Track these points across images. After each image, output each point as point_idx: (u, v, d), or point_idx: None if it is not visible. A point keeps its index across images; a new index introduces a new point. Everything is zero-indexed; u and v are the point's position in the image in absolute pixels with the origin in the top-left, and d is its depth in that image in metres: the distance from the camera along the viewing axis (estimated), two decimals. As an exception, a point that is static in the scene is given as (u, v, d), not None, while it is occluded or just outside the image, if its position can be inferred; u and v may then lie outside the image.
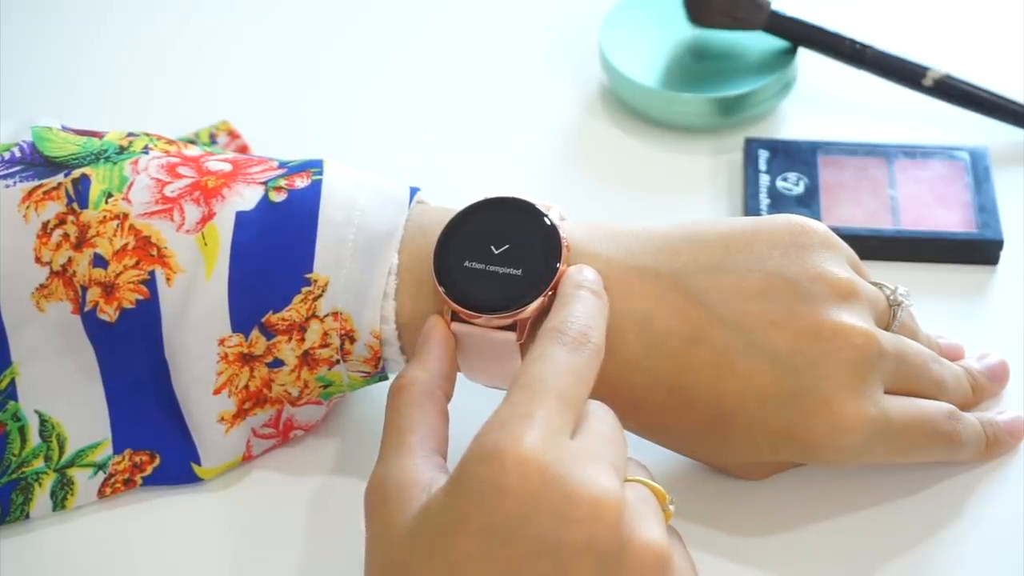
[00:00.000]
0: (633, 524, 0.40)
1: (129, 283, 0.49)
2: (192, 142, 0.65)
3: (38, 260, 0.50)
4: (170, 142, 0.53)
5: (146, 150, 0.52)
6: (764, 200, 0.62)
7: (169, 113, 0.69)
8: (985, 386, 0.53)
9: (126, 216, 0.49)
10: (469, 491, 0.39)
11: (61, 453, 0.51)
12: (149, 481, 0.52)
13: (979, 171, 0.62)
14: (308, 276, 0.49)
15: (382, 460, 0.44)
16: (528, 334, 0.48)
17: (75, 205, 0.50)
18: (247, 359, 0.50)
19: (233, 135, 0.67)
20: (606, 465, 0.40)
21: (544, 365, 0.42)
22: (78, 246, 0.49)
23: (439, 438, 0.45)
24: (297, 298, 0.49)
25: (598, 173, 0.67)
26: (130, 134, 0.53)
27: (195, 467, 0.52)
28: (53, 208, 0.50)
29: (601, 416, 0.43)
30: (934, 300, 0.58)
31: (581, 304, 0.45)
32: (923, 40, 0.70)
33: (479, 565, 0.39)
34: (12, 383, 0.51)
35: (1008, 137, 0.65)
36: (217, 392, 0.50)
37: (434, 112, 0.70)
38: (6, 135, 0.52)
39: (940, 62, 0.66)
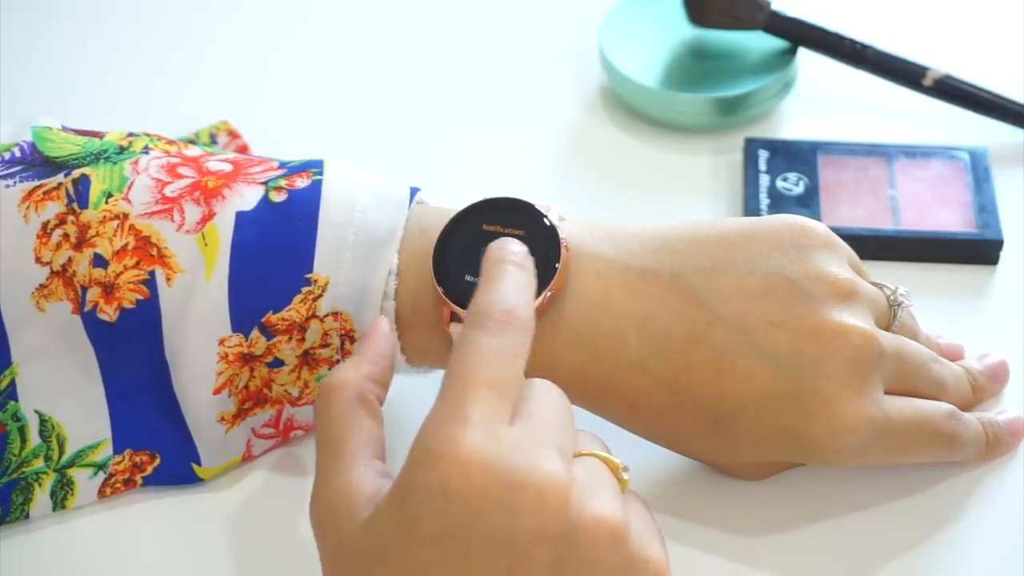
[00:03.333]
0: (583, 503, 0.39)
1: (129, 283, 0.49)
2: (192, 142, 0.65)
3: (38, 260, 0.50)
4: (170, 142, 0.53)
5: (146, 150, 0.52)
6: (764, 200, 0.62)
7: (169, 113, 0.69)
8: (985, 386, 0.53)
9: (126, 216, 0.49)
10: (415, 497, 0.39)
11: (61, 453, 0.51)
12: (149, 481, 0.52)
13: (979, 171, 0.62)
14: (308, 276, 0.49)
15: (322, 475, 0.43)
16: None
17: (75, 205, 0.50)
18: (247, 359, 0.50)
19: (233, 135, 0.67)
20: (549, 447, 0.40)
21: (469, 354, 0.41)
22: (78, 246, 0.49)
23: (376, 442, 0.44)
24: (297, 298, 0.49)
25: (598, 173, 0.67)
26: (130, 134, 0.53)
27: (195, 467, 0.52)
28: (53, 208, 0.50)
29: (542, 395, 0.42)
30: (934, 300, 0.58)
31: (502, 282, 0.44)
32: (923, 40, 0.70)
33: (437, 568, 0.39)
34: (12, 383, 0.51)
35: (1008, 137, 0.65)
36: (217, 392, 0.50)
37: (434, 112, 0.70)
38: (6, 135, 0.52)
39: (940, 62, 0.66)
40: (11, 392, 0.51)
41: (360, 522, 0.41)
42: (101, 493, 0.51)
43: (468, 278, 0.48)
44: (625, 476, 0.42)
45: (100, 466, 0.51)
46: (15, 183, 0.50)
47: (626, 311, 0.48)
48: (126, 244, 0.49)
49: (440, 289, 0.48)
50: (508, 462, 0.39)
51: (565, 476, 0.39)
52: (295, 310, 0.49)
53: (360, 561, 0.40)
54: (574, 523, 0.39)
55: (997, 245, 0.60)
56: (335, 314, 0.49)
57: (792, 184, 0.63)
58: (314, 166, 0.51)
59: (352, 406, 0.44)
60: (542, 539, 0.38)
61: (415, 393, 0.51)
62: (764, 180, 0.63)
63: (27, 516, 0.51)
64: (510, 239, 0.46)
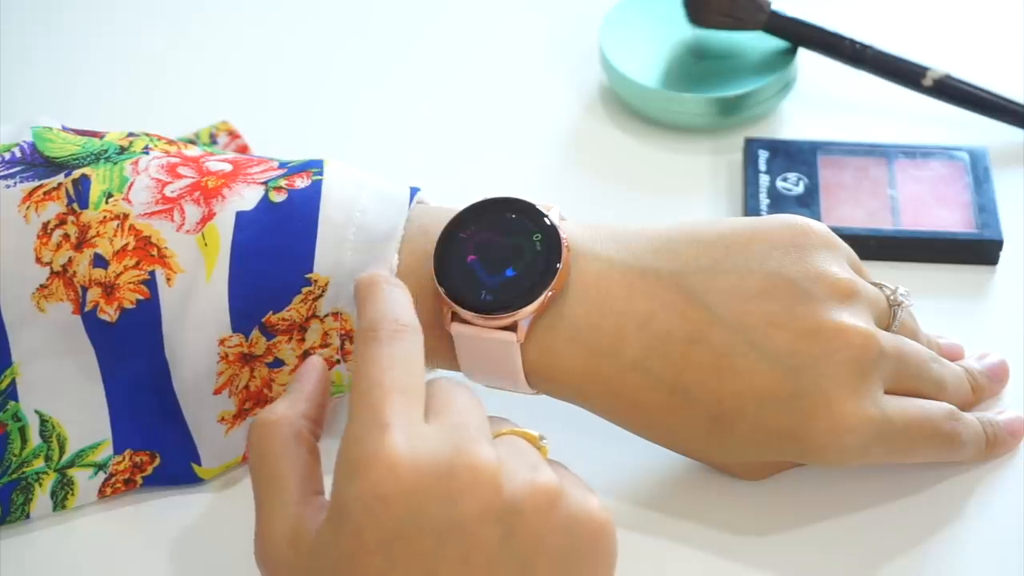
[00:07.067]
0: (516, 476, 0.40)
1: (129, 283, 0.49)
2: (192, 142, 0.65)
3: (38, 260, 0.50)
4: (170, 142, 0.53)
5: (146, 150, 0.52)
6: (764, 200, 0.62)
7: (169, 113, 0.69)
8: (985, 386, 0.53)
9: (126, 216, 0.49)
10: (353, 510, 0.39)
11: (61, 453, 0.51)
12: (149, 481, 0.52)
13: (979, 171, 0.62)
14: (308, 276, 0.49)
15: (264, 513, 0.42)
16: (527, 334, 0.48)
17: (75, 205, 0.50)
18: (247, 359, 0.50)
19: (233, 135, 0.67)
20: (470, 432, 0.40)
21: (371, 368, 0.41)
22: (78, 246, 0.49)
23: (315, 478, 0.43)
24: (297, 298, 0.49)
25: (598, 173, 0.67)
26: (130, 134, 0.53)
27: (195, 467, 0.52)
28: (53, 208, 0.50)
29: (448, 389, 0.43)
30: (934, 300, 0.58)
31: (379, 297, 0.44)
32: (923, 40, 0.70)
33: (395, 572, 0.39)
34: (12, 383, 0.51)
35: (1008, 137, 0.65)
36: (217, 392, 0.50)
37: (434, 112, 0.70)
38: (6, 135, 0.52)
39: (940, 62, 0.66)
40: (11, 392, 0.51)
41: (307, 552, 0.41)
42: (101, 493, 0.52)
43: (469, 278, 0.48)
44: (544, 444, 0.43)
45: (100, 466, 0.51)
46: (15, 183, 0.50)
47: (626, 311, 0.48)
48: (126, 244, 0.49)
49: (441, 289, 0.48)
50: (436, 455, 0.39)
51: (493, 455, 0.40)
52: (295, 310, 0.49)
53: None
54: (512, 497, 0.40)
55: (997, 245, 0.60)
56: (335, 314, 0.49)
57: (792, 184, 0.63)
58: (314, 166, 0.51)
59: (288, 443, 0.43)
60: (487, 519, 0.39)
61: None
62: (764, 180, 0.63)
63: (27, 516, 0.51)
64: (375, 271, 0.46)
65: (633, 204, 0.64)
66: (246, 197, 0.50)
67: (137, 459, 0.51)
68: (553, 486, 0.40)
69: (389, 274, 0.46)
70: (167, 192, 0.50)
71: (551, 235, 0.48)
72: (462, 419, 0.41)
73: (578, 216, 0.52)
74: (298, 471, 0.43)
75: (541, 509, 0.40)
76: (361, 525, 0.39)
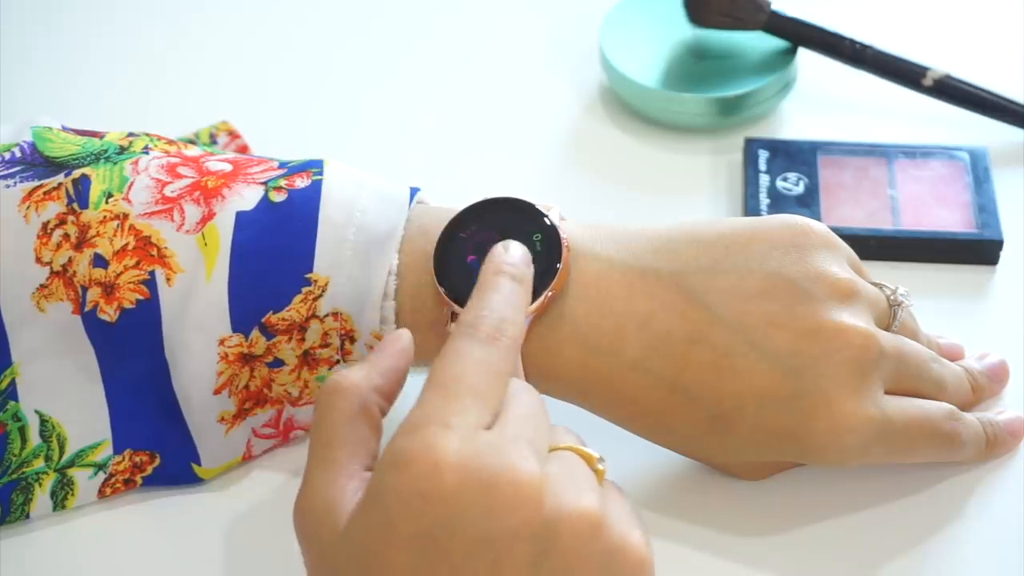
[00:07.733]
0: (559, 497, 0.39)
1: (129, 283, 0.49)
2: (192, 142, 0.65)
3: (38, 260, 0.50)
4: (170, 142, 0.53)
5: (146, 150, 0.52)
6: (764, 200, 0.62)
7: (169, 113, 0.69)
8: (985, 386, 0.53)
9: (126, 216, 0.49)
10: (390, 501, 0.38)
11: (61, 453, 0.51)
12: (149, 481, 0.52)
13: (979, 171, 0.62)
14: (308, 276, 0.49)
15: (307, 481, 0.42)
16: (527, 334, 0.48)
17: (75, 205, 0.50)
18: (247, 359, 0.50)
19: (233, 135, 0.67)
20: (522, 446, 0.40)
21: (457, 363, 0.41)
22: (78, 246, 0.49)
23: (369, 454, 0.43)
24: (297, 298, 0.49)
25: (598, 173, 0.67)
26: (130, 134, 0.53)
27: (195, 467, 0.52)
28: (53, 208, 0.50)
29: (514, 393, 0.42)
30: (934, 300, 0.58)
31: (497, 294, 0.44)
32: (923, 40, 0.70)
33: (419, 571, 0.38)
34: (12, 383, 0.51)
35: (1008, 137, 0.65)
36: (217, 392, 0.50)
37: (434, 112, 0.70)
38: (6, 135, 0.52)
39: (940, 62, 0.66)
40: (11, 392, 0.51)
41: (340, 530, 0.40)
42: (101, 493, 0.52)
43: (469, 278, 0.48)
44: (601, 466, 0.42)
45: (100, 466, 0.51)
46: (15, 183, 0.50)
47: (627, 311, 0.48)
48: (126, 244, 0.49)
49: (441, 289, 0.48)
50: (481, 464, 0.38)
51: (539, 473, 0.39)
52: (295, 310, 0.49)
53: (342, 570, 0.40)
54: (552, 518, 0.39)
55: (997, 245, 0.60)
56: (335, 314, 0.49)
57: (792, 184, 0.63)
58: (314, 166, 0.51)
59: (353, 413, 0.43)
60: (521, 537, 0.38)
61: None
62: (764, 180, 0.63)
63: (27, 516, 0.51)
64: (513, 243, 0.46)
65: (633, 204, 0.64)
66: (246, 197, 0.50)
67: (137, 459, 0.51)
68: (594, 513, 0.39)
69: (521, 262, 0.45)
70: (167, 192, 0.50)
71: (551, 235, 0.48)
72: (519, 429, 0.40)
73: (578, 216, 0.52)
74: (354, 445, 0.42)
75: (580, 535, 0.39)
76: (395, 517, 0.38)
